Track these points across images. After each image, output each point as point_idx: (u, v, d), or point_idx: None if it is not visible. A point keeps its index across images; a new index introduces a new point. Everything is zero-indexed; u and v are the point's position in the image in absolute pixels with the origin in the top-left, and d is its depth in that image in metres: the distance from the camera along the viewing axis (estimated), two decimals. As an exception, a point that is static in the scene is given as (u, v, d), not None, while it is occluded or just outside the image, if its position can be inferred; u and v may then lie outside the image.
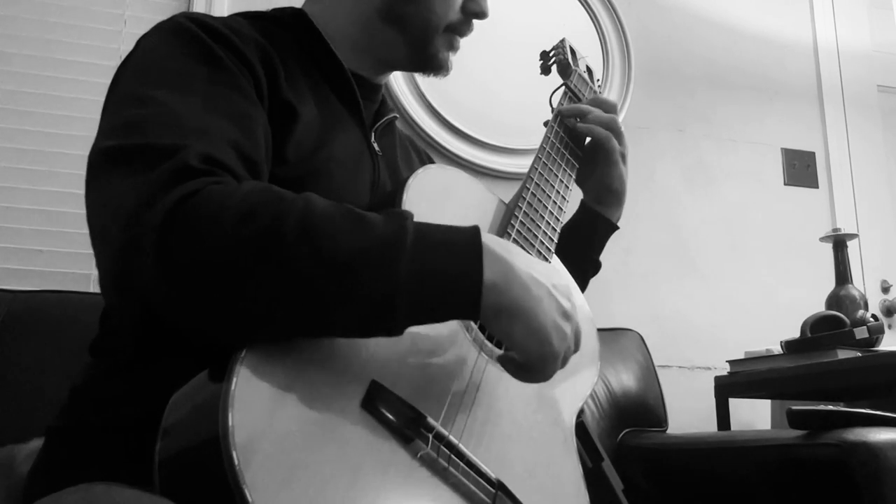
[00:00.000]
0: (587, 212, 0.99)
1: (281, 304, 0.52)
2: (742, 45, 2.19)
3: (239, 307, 0.52)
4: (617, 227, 1.00)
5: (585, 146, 0.96)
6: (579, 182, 0.97)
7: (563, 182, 0.89)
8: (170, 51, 0.67)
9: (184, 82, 0.64)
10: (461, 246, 0.57)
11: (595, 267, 1.00)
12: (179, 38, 0.68)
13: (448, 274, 0.55)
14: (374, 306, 0.53)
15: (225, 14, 1.66)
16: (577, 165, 0.93)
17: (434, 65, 0.86)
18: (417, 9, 0.82)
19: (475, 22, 0.87)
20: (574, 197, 0.92)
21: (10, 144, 1.55)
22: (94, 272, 1.48)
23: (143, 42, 0.70)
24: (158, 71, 0.66)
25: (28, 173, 1.55)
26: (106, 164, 0.59)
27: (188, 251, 0.51)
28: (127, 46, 1.64)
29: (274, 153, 0.69)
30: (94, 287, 1.51)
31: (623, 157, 0.95)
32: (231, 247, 0.51)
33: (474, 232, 0.58)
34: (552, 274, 0.63)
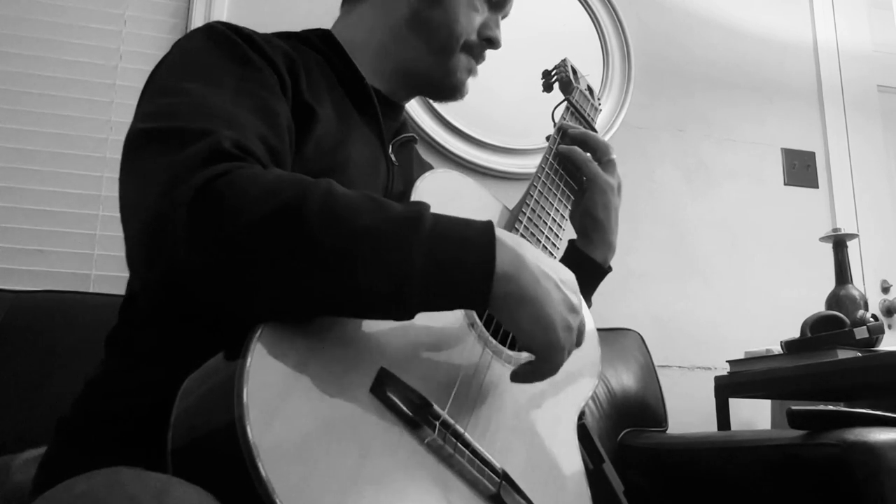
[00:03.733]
0: (573, 251, 0.94)
1: (300, 273, 0.54)
2: (742, 45, 2.19)
3: (261, 276, 0.54)
4: (607, 270, 0.93)
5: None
6: (570, 213, 0.93)
7: (565, 191, 0.90)
8: (203, 50, 0.72)
9: (215, 77, 0.68)
10: (476, 236, 0.59)
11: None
12: (213, 39, 0.73)
13: (461, 261, 0.57)
14: (389, 280, 0.54)
15: (224, 12, 1.67)
16: (578, 176, 0.94)
17: (453, 80, 0.90)
18: (442, 15, 0.87)
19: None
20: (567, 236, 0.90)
21: (11, 144, 1.55)
22: (94, 272, 1.48)
23: (179, 42, 0.75)
24: (192, 67, 0.70)
25: (28, 173, 1.54)
26: (140, 143, 0.62)
27: (217, 222, 0.53)
28: (127, 46, 1.62)
29: (294, 149, 0.72)
30: (94, 287, 1.51)
31: (612, 188, 0.91)
32: (257, 217, 0.53)
33: (488, 225, 0.60)
34: (560, 269, 0.65)
